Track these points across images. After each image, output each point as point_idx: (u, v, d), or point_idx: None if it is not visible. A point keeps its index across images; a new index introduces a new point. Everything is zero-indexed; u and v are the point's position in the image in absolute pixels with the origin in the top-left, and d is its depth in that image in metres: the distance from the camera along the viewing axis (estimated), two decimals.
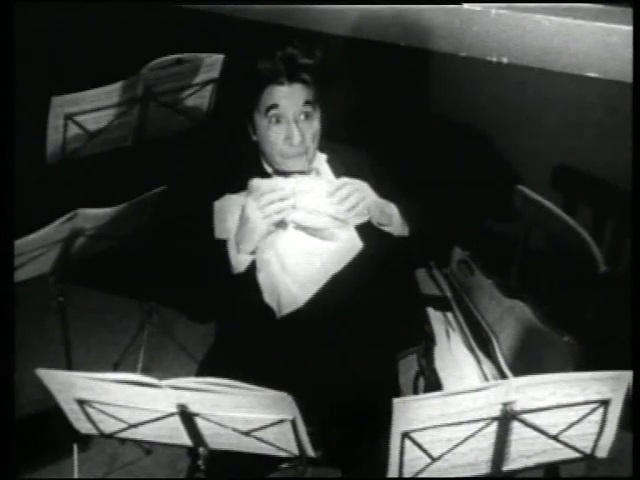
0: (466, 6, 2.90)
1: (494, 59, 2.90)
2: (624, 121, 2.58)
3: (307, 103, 2.19)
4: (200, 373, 2.30)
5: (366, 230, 2.25)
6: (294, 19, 3.10)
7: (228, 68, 2.86)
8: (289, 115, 2.18)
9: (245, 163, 2.32)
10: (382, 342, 2.33)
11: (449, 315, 2.41)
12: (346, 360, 2.23)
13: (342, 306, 2.24)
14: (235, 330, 2.30)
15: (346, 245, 2.25)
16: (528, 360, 2.26)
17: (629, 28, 2.68)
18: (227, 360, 2.25)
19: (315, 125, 2.23)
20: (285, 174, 2.24)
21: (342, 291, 2.24)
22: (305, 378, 2.12)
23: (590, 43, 2.77)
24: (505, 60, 2.89)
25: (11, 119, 2.31)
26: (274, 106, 2.17)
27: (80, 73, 3.11)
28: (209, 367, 2.32)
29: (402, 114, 3.07)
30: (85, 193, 2.65)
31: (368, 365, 2.24)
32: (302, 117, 2.20)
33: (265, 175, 2.27)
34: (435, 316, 2.40)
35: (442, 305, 2.44)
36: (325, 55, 2.23)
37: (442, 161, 3.04)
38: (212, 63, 2.89)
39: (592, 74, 2.80)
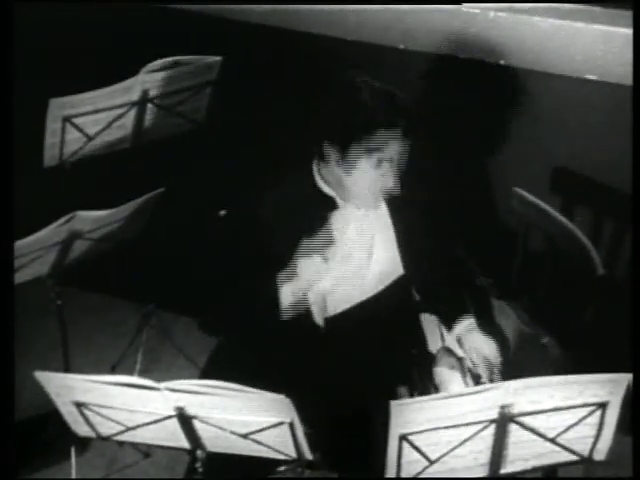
0: (465, 8, 2.90)
1: (492, 61, 2.90)
2: (623, 124, 2.58)
3: (401, 154, 2.16)
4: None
5: None
6: (292, 21, 3.10)
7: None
8: (394, 158, 2.15)
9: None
10: (380, 343, 2.33)
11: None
12: (345, 362, 2.23)
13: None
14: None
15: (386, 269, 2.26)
16: (516, 361, 2.27)
17: (629, 31, 2.68)
18: (232, 364, 2.26)
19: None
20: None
21: None
22: (304, 380, 2.12)
23: (589, 46, 2.77)
24: (503, 62, 2.89)
25: (11, 120, 2.31)
26: (382, 150, 2.12)
27: (79, 75, 3.11)
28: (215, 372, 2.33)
29: None
30: (83, 195, 2.65)
31: (367, 367, 2.24)
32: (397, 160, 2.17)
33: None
34: (428, 320, 2.40)
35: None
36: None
37: (442, 161, 3.04)
38: (210, 65, 2.89)
39: (591, 77, 2.80)
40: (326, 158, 2.18)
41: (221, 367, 2.35)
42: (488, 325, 2.26)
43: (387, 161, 2.15)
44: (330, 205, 2.23)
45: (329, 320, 2.25)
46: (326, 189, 2.23)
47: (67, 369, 2.79)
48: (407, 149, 2.17)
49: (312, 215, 2.21)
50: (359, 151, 2.14)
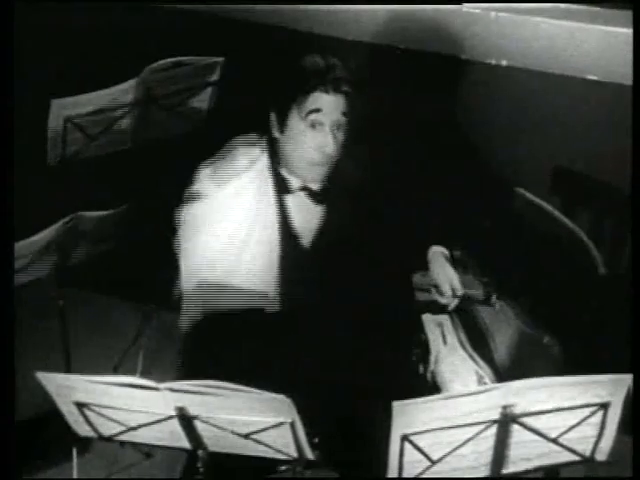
0: (466, 8, 2.90)
1: (493, 61, 2.90)
2: (623, 124, 2.58)
3: (343, 114, 2.25)
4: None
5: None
6: (291, 21, 3.10)
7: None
8: (328, 123, 2.24)
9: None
10: (381, 343, 2.33)
11: (445, 318, 2.40)
12: (345, 361, 2.23)
13: (340, 308, 2.25)
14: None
15: None
16: (517, 361, 2.27)
17: (629, 31, 2.68)
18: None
19: (342, 137, 2.28)
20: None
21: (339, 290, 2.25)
22: (303, 379, 2.12)
23: (590, 46, 2.77)
24: (505, 63, 2.89)
25: (11, 120, 2.31)
26: (317, 110, 2.22)
27: (80, 75, 3.11)
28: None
29: (402, 115, 3.07)
30: (85, 196, 2.65)
31: (366, 367, 2.24)
32: (336, 127, 2.25)
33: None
34: (430, 322, 2.40)
35: (438, 308, 2.44)
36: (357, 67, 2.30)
37: (441, 162, 3.04)
38: (211, 66, 2.90)
39: (592, 77, 2.80)
40: (272, 130, 2.30)
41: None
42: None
43: (321, 124, 2.23)
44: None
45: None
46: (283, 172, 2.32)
47: (68, 369, 2.79)
48: (347, 113, 2.25)
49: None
50: (294, 113, 2.25)
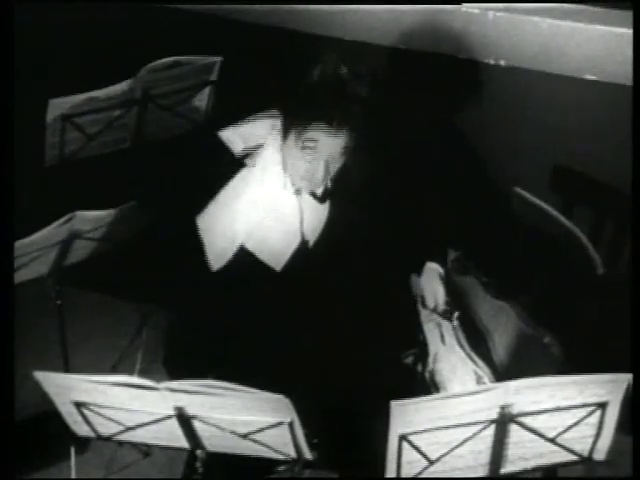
0: (464, 8, 2.90)
1: (492, 61, 2.90)
2: (623, 123, 2.58)
3: (345, 148, 2.19)
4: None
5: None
6: (291, 21, 3.10)
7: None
8: (323, 156, 2.18)
9: None
10: (380, 344, 2.33)
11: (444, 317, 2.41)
12: (343, 361, 2.23)
13: (340, 308, 2.25)
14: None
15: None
16: (517, 361, 2.27)
17: (629, 31, 2.68)
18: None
19: (341, 161, 2.23)
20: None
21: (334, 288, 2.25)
22: (302, 379, 2.12)
23: (589, 46, 2.77)
24: (503, 63, 2.89)
25: (11, 120, 2.31)
26: (313, 141, 2.16)
27: (78, 75, 3.11)
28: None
29: (401, 115, 3.07)
30: (83, 195, 2.65)
31: (365, 367, 2.24)
32: (332, 159, 2.19)
33: None
34: (429, 321, 2.40)
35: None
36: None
37: (441, 162, 3.04)
38: (210, 65, 2.90)
39: (591, 77, 2.80)
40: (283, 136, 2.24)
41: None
42: None
43: (316, 154, 2.16)
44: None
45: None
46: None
47: (67, 369, 2.79)
48: (342, 147, 2.18)
49: None
50: (292, 133, 2.18)
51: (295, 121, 2.18)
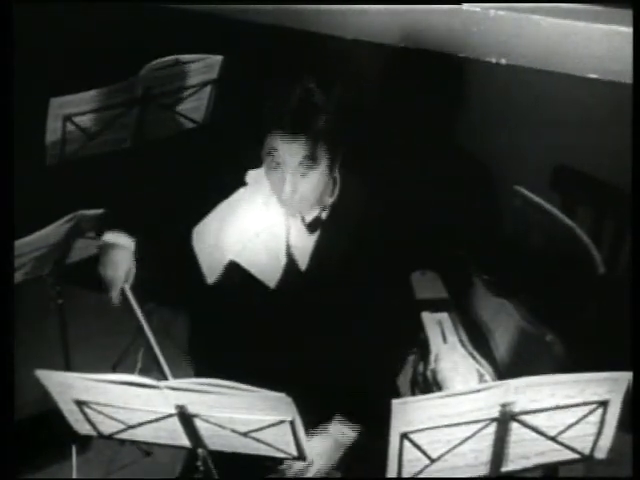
0: (465, 7, 2.90)
1: (493, 60, 2.90)
2: (624, 122, 2.58)
3: (306, 157, 2.07)
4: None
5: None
6: (290, 20, 3.10)
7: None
8: (286, 168, 2.07)
9: None
10: (380, 343, 2.32)
11: (445, 316, 2.41)
12: (344, 360, 2.23)
13: (340, 308, 2.25)
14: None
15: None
16: (518, 359, 2.27)
17: (629, 29, 2.68)
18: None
19: (314, 179, 2.10)
20: None
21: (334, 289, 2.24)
22: (302, 377, 2.12)
23: (590, 44, 2.77)
24: (504, 61, 2.89)
25: (11, 119, 2.31)
26: (274, 150, 2.07)
27: (79, 75, 3.11)
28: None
29: (401, 115, 3.08)
30: (84, 194, 2.65)
31: (366, 365, 2.24)
32: (300, 170, 2.08)
33: None
34: (430, 320, 2.40)
35: (438, 307, 2.44)
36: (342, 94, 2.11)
37: (441, 162, 3.05)
38: (210, 64, 2.90)
39: (592, 75, 2.80)
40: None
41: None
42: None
43: (274, 157, 2.07)
44: None
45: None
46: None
47: (68, 368, 2.79)
48: (303, 156, 2.07)
49: None
50: (266, 148, 2.09)
51: (262, 132, 2.11)
